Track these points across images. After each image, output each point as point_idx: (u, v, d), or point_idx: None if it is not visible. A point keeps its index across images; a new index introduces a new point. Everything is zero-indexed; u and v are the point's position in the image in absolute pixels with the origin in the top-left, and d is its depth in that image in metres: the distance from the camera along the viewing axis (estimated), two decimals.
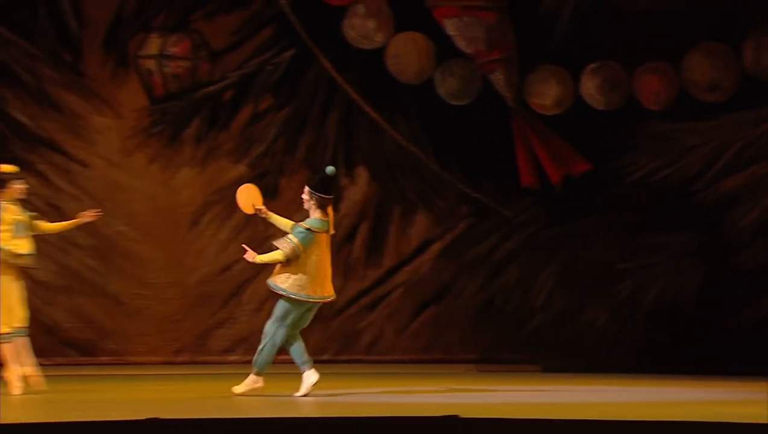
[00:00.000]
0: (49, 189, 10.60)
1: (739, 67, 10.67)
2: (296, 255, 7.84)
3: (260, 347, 7.99)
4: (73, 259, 10.49)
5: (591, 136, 10.81)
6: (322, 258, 7.95)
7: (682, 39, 10.66)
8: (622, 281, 10.78)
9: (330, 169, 8.03)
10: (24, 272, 8.40)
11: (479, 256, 11.12)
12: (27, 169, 10.50)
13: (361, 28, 10.62)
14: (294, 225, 8.01)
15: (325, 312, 11.13)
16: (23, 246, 8.33)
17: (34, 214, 8.57)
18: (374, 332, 11.10)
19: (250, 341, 10.10)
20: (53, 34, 10.46)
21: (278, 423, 6.36)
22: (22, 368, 8.25)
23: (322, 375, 10.13)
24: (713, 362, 10.13)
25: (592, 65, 10.72)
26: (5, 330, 8.21)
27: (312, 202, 7.97)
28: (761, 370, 9.48)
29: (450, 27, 10.62)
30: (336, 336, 11.04)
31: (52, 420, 6.60)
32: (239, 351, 10.58)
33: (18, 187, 8.43)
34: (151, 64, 10.68)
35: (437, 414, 6.33)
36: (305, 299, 7.93)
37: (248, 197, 8.27)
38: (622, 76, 10.78)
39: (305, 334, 11.06)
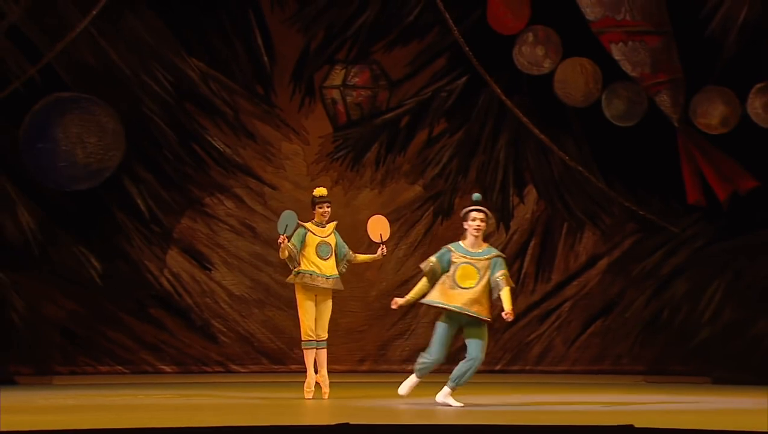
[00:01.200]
0: (244, 210, 11.32)
1: None
2: None
3: (467, 369, 8.04)
4: (265, 275, 11.16)
5: (758, 154, 10.82)
6: None
7: None
8: None
9: (477, 195, 8.31)
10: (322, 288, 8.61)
11: (646, 271, 11.26)
12: (225, 192, 11.38)
13: (531, 55, 10.89)
14: (490, 262, 8.04)
15: (496, 325, 11.54)
16: (326, 267, 8.67)
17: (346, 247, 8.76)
18: (544, 344, 11.40)
19: None
20: (248, 70, 11.21)
21: (460, 430, 6.59)
22: (317, 375, 8.69)
23: (494, 384, 10.47)
24: None
25: (759, 84, 10.73)
26: (306, 338, 8.65)
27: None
28: None
29: (616, 52, 10.75)
30: (507, 347, 11.39)
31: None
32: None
33: (326, 209, 8.65)
34: (335, 94, 11.32)
35: (612, 424, 6.45)
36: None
37: (377, 227, 8.80)
38: None
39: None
